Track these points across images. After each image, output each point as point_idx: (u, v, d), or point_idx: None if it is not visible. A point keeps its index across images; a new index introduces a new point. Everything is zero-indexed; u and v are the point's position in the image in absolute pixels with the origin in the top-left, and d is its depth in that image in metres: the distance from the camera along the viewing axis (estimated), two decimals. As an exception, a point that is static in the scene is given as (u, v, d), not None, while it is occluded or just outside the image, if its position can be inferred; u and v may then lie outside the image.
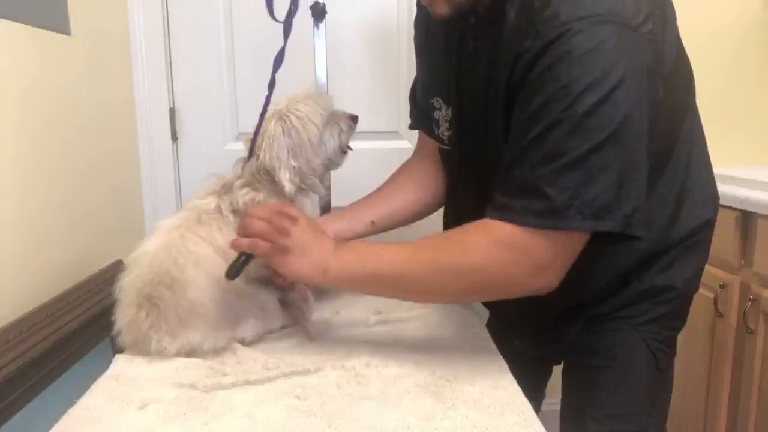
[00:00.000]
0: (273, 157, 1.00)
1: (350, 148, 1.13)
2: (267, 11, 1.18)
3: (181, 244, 0.93)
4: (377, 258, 0.86)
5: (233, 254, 0.90)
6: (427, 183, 1.12)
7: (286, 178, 1.00)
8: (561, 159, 0.72)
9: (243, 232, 0.88)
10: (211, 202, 1.00)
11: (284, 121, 1.02)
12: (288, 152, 1.01)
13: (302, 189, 1.06)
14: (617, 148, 0.72)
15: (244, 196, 1.01)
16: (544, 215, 0.74)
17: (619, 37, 0.71)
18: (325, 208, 1.46)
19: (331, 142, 1.09)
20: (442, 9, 0.84)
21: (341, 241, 0.91)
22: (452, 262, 0.81)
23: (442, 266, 0.81)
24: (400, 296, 0.93)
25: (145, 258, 0.93)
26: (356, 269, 0.86)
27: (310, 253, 0.87)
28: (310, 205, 1.08)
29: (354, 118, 1.11)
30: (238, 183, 1.02)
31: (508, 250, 0.77)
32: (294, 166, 1.02)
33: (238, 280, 0.90)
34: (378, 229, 1.10)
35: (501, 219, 0.77)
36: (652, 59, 0.75)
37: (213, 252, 0.94)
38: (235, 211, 1.00)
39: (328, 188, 1.17)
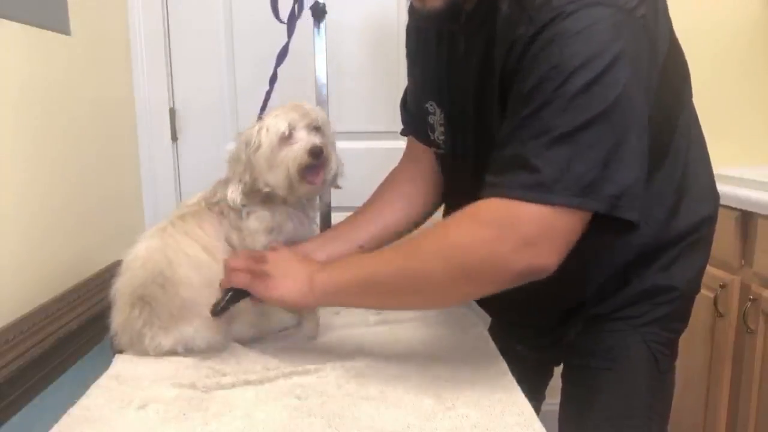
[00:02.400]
0: (229, 172, 1.00)
1: (313, 183, 0.97)
2: (272, 12, 1.19)
3: (175, 245, 0.94)
4: (361, 263, 0.85)
5: (219, 250, 0.93)
6: (416, 194, 1.10)
7: (232, 190, 0.97)
8: (550, 134, 0.72)
9: (225, 269, 0.91)
10: (195, 196, 1.02)
11: (250, 134, 0.98)
12: (245, 168, 0.97)
13: (266, 201, 0.99)
14: (606, 127, 0.72)
15: (224, 191, 1.00)
16: (532, 188, 0.73)
17: (613, 19, 0.71)
18: (325, 216, 1.45)
19: (286, 165, 0.95)
20: (435, 2, 0.83)
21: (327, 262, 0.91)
22: (434, 247, 0.79)
23: (424, 254, 0.79)
24: (392, 302, 0.89)
25: (136, 261, 0.94)
26: (342, 279, 0.85)
27: (293, 274, 0.87)
28: (268, 217, 1.00)
29: (313, 152, 0.94)
30: (223, 179, 1.02)
31: (493, 226, 0.75)
32: (246, 182, 0.97)
33: None
34: (367, 251, 1.04)
35: (491, 196, 0.76)
36: (646, 44, 0.75)
37: (203, 251, 0.95)
38: (217, 203, 1.00)
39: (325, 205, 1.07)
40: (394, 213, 1.09)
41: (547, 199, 0.73)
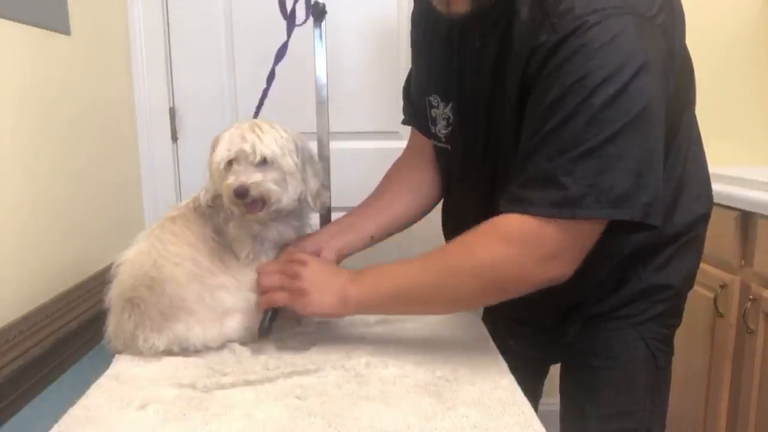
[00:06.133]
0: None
1: (252, 214, 0.95)
2: (279, 11, 1.19)
3: (161, 246, 0.94)
4: (391, 277, 0.88)
5: (203, 247, 0.96)
6: (420, 187, 1.11)
7: (204, 192, 0.99)
8: (577, 149, 0.72)
9: (260, 289, 0.93)
10: (187, 200, 1.02)
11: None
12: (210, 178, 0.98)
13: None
14: (634, 137, 0.72)
15: (205, 195, 1.00)
16: (561, 204, 0.74)
17: (636, 28, 0.72)
18: (325, 217, 1.45)
19: (226, 194, 0.94)
20: (461, 7, 0.83)
21: (355, 271, 0.93)
22: (463, 265, 0.82)
23: (454, 271, 0.82)
24: (422, 310, 0.94)
25: (124, 266, 0.94)
26: (374, 292, 0.88)
27: (328, 288, 0.90)
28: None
29: (237, 194, 0.91)
30: (206, 183, 1.01)
31: (518, 243, 0.78)
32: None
33: (218, 273, 0.95)
34: (376, 241, 1.10)
35: (518, 211, 0.77)
36: (666, 50, 0.76)
37: (189, 248, 0.95)
38: (197, 208, 0.99)
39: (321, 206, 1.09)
40: (401, 204, 1.11)
41: (577, 213, 0.74)
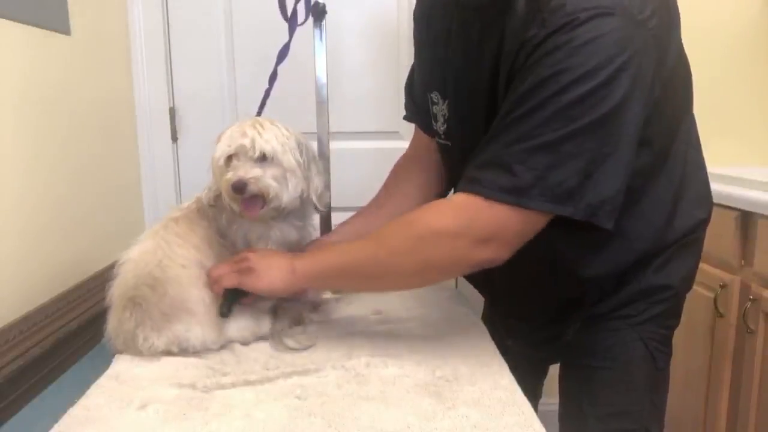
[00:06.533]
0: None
1: (249, 214, 0.95)
2: (279, 12, 1.20)
3: (167, 246, 0.94)
4: (338, 251, 0.91)
5: (208, 250, 0.97)
6: (429, 186, 1.12)
7: (207, 191, 1.01)
8: (535, 140, 0.74)
9: (211, 280, 0.94)
10: (189, 202, 1.02)
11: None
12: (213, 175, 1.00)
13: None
14: (593, 138, 0.73)
15: (207, 193, 1.00)
16: (509, 191, 0.76)
17: (624, 31, 0.72)
18: (326, 217, 1.45)
19: (225, 190, 0.95)
20: None
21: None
22: (404, 238, 0.84)
23: (394, 245, 0.85)
24: (367, 284, 0.97)
25: (128, 265, 0.94)
26: (320, 264, 0.92)
27: (275, 264, 0.93)
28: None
29: (236, 188, 0.92)
30: (208, 183, 1.02)
31: (460, 219, 0.80)
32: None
33: None
34: None
35: (468, 191, 0.79)
36: (654, 56, 0.75)
37: (194, 250, 0.96)
38: (207, 207, 1.00)
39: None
40: (413, 204, 1.09)
41: (521, 203, 0.76)
